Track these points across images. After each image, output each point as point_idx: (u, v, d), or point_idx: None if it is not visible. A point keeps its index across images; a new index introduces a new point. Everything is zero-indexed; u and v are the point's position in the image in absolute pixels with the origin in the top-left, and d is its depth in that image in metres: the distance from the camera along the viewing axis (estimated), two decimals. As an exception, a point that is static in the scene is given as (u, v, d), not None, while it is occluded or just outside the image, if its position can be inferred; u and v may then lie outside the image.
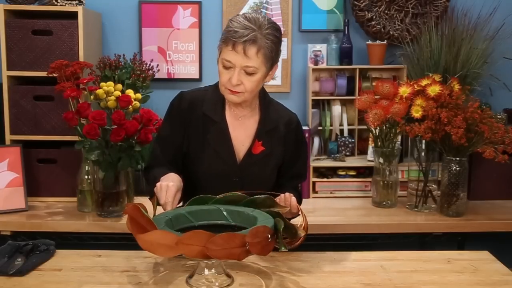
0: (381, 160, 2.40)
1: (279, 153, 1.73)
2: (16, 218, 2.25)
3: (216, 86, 1.72)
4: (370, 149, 2.63)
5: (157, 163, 1.70)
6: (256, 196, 1.49)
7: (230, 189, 1.54)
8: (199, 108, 1.69)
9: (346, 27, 2.79)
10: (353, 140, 2.80)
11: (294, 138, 1.77)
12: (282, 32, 2.85)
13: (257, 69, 1.57)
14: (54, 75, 2.26)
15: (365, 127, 2.55)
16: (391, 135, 2.36)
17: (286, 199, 1.54)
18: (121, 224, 2.17)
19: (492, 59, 2.74)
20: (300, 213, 1.53)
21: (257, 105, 1.74)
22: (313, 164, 2.61)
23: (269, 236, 1.30)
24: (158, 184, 1.49)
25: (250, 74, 1.57)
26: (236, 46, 1.53)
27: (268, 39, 1.56)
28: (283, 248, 1.36)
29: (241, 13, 1.64)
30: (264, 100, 1.74)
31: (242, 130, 1.71)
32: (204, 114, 1.68)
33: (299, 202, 1.72)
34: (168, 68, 2.90)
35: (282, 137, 1.73)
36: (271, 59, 1.60)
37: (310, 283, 1.42)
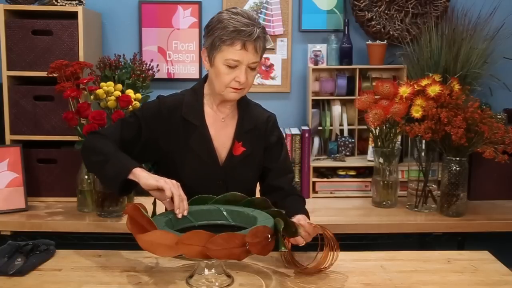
0: (381, 160, 2.40)
1: (260, 152, 1.73)
2: (16, 218, 2.25)
3: (193, 90, 1.72)
4: (370, 149, 2.63)
5: (111, 136, 1.62)
6: (254, 197, 1.49)
7: (216, 192, 1.54)
8: (178, 113, 1.66)
9: (346, 27, 2.79)
10: (353, 140, 2.80)
11: (273, 136, 1.76)
12: (282, 32, 2.89)
13: (258, 63, 1.61)
14: (54, 75, 2.26)
15: (365, 127, 2.55)
16: (391, 135, 2.36)
17: (309, 230, 1.50)
18: (121, 224, 2.17)
19: (492, 59, 2.74)
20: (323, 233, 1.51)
21: (235, 106, 1.73)
22: (313, 164, 2.61)
23: (269, 236, 1.30)
24: (176, 194, 1.43)
25: (253, 69, 1.59)
26: (247, 45, 1.54)
27: (264, 32, 1.60)
28: (282, 248, 1.36)
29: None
30: (242, 100, 1.73)
31: (223, 131, 1.69)
32: (184, 119, 1.66)
33: (304, 203, 1.74)
34: (168, 68, 2.90)
35: (262, 136, 1.73)
36: (264, 52, 1.64)
37: (310, 283, 1.42)
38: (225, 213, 1.48)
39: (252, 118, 1.73)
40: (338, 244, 1.49)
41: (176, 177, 1.53)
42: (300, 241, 1.47)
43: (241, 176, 1.69)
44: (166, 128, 1.65)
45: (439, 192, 2.37)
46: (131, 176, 1.47)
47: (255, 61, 1.57)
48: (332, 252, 1.48)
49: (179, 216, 1.42)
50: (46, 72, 2.29)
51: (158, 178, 1.45)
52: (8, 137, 2.43)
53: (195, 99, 1.69)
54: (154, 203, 1.49)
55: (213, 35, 1.57)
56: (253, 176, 1.76)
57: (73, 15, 2.40)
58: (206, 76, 1.72)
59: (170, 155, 1.66)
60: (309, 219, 1.59)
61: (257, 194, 1.80)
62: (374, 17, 2.81)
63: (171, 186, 1.43)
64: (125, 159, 1.52)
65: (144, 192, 2.58)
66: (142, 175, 1.46)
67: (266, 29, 2.86)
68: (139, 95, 2.30)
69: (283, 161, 1.78)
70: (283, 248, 1.36)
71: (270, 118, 1.77)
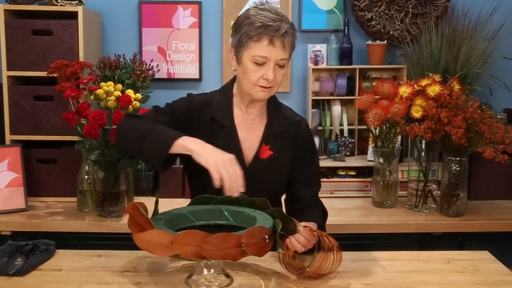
0: (381, 160, 2.40)
1: (288, 157, 1.67)
2: (16, 218, 2.25)
3: (223, 90, 1.68)
4: (370, 149, 2.63)
5: (147, 117, 1.59)
6: (256, 198, 1.49)
7: (239, 196, 1.47)
8: (208, 112, 1.63)
9: (346, 27, 2.79)
10: (353, 140, 2.80)
11: (303, 142, 1.70)
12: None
13: (287, 60, 1.55)
14: (54, 75, 2.26)
15: (365, 127, 2.55)
16: (391, 135, 2.36)
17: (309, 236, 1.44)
18: (121, 224, 2.17)
19: (492, 59, 2.74)
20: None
21: (265, 108, 1.68)
22: (313, 164, 2.60)
23: (266, 237, 1.30)
24: (225, 175, 1.36)
25: (281, 66, 1.54)
26: (275, 40, 1.49)
27: (293, 28, 1.55)
28: (280, 249, 1.36)
29: (250, 6, 1.60)
30: (273, 102, 1.69)
31: (251, 133, 1.65)
32: (213, 118, 1.62)
33: (324, 219, 1.71)
34: (168, 68, 2.90)
35: (291, 141, 1.67)
36: (294, 49, 1.58)
37: (310, 283, 1.42)
38: (226, 213, 1.48)
39: (281, 122, 1.67)
40: (341, 253, 1.44)
41: (201, 178, 1.49)
42: (298, 246, 1.41)
43: (266, 181, 1.64)
44: (194, 127, 1.61)
45: (439, 192, 2.37)
46: (176, 148, 1.42)
47: (283, 57, 1.52)
48: (329, 258, 1.43)
49: (235, 195, 1.38)
50: (46, 72, 2.29)
51: (208, 155, 1.39)
52: (8, 137, 2.43)
53: (224, 99, 1.65)
54: (156, 202, 1.48)
55: (240, 32, 1.53)
56: (280, 183, 1.70)
57: (73, 15, 2.40)
58: (235, 77, 1.67)
59: None
60: (323, 230, 1.52)
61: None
62: (374, 17, 2.81)
63: (221, 168, 1.37)
64: (168, 130, 1.47)
65: (144, 192, 2.60)
66: (192, 147, 1.41)
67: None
68: (139, 95, 2.30)
69: (312, 172, 1.73)
70: (280, 249, 1.36)
71: (302, 123, 1.72)
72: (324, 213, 1.72)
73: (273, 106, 1.69)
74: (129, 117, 1.64)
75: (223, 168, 1.37)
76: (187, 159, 1.47)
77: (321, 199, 1.76)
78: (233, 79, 1.69)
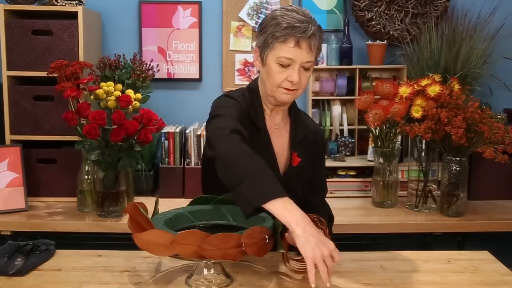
0: (381, 160, 2.40)
1: (310, 163, 1.66)
2: (16, 218, 2.25)
3: (250, 90, 1.62)
4: (370, 149, 2.63)
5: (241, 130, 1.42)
6: None
7: None
8: (247, 113, 1.55)
9: (346, 27, 2.79)
10: (353, 140, 2.80)
11: (319, 149, 1.71)
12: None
13: (313, 63, 1.52)
14: (54, 75, 2.26)
15: (365, 127, 2.55)
16: (391, 135, 2.36)
17: None
18: (121, 224, 2.17)
19: (492, 59, 2.74)
20: None
21: (287, 114, 1.65)
22: (313, 164, 2.60)
23: (266, 237, 1.29)
24: (320, 264, 1.22)
25: (307, 69, 1.51)
26: (301, 42, 1.45)
27: (320, 31, 1.51)
28: (281, 249, 1.36)
29: (278, 6, 1.52)
30: (294, 108, 1.66)
31: (279, 139, 1.61)
32: (250, 121, 1.56)
33: (331, 224, 1.69)
34: (168, 68, 2.90)
35: (312, 147, 1.67)
36: (320, 52, 1.55)
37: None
38: (226, 213, 1.48)
39: (303, 128, 1.66)
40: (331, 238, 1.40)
41: (217, 183, 1.42)
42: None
43: (297, 188, 1.62)
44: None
45: (439, 192, 2.37)
46: (272, 207, 1.24)
47: (309, 60, 1.48)
48: None
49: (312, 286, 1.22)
50: (46, 72, 2.29)
51: (311, 246, 1.22)
52: (8, 137, 2.43)
53: (256, 99, 1.59)
54: (156, 202, 1.48)
55: (266, 33, 1.50)
56: (305, 190, 1.68)
57: (73, 15, 2.40)
58: (257, 78, 1.64)
59: None
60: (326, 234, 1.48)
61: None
62: (374, 17, 2.81)
63: (318, 262, 1.22)
64: (268, 181, 1.28)
65: (144, 192, 2.60)
66: (295, 228, 1.23)
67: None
68: (139, 95, 2.30)
69: (321, 177, 1.73)
70: (281, 249, 1.36)
71: (319, 130, 1.73)
72: (330, 218, 1.71)
73: (294, 112, 1.66)
74: (224, 139, 1.38)
75: (320, 262, 1.23)
76: (209, 162, 1.37)
77: (322, 199, 1.76)
78: (256, 80, 1.65)
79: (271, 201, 1.24)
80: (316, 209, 1.64)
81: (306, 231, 1.23)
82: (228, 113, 1.48)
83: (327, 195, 2.53)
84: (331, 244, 1.25)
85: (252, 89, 1.61)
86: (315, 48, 1.50)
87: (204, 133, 2.45)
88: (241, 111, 1.52)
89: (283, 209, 1.24)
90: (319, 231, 1.27)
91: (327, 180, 2.53)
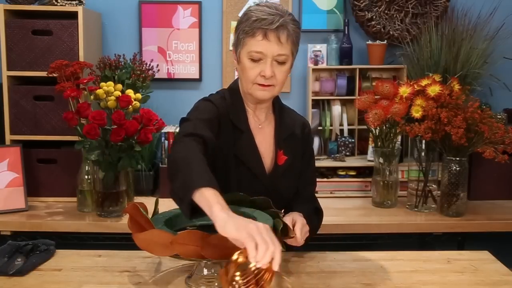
0: (381, 160, 2.40)
1: (298, 160, 1.64)
2: (16, 218, 2.25)
3: (231, 90, 1.60)
4: (370, 149, 2.63)
5: (198, 134, 1.37)
6: (256, 198, 1.48)
7: None
8: (227, 117, 1.53)
9: (346, 27, 2.79)
10: (353, 140, 2.80)
11: (307, 143, 1.68)
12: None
13: (288, 57, 1.48)
14: (54, 75, 2.26)
15: (365, 127, 2.55)
16: (391, 135, 2.36)
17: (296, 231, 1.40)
18: (121, 224, 2.17)
19: (492, 59, 2.74)
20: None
21: (272, 112, 1.63)
22: (313, 164, 2.60)
23: None
24: (260, 242, 1.07)
25: (281, 63, 1.48)
26: (269, 34, 1.43)
27: (294, 24, 1.48)
28: (283, 248, 1.36)
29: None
30: (278, 105, 1.64)
31: (264, 139, 1.59)
32: (232, 124, 1.54)
33: (319, 217, 1.67)
34: (168, 68, 2.90)
35: (299, 143, 1.65)
36: (296, 47, 1.52)
37: (310, 283, 1.42)
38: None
39: (288, 124, 1.63)
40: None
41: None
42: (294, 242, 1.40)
43: (285, 187, 1.60)
44: (218, 133, 1.50)
45: (439, 192, 2.37)
46: (197, 199, 1.15)
47: (281, 53, 1.45)
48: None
49: (276, 268, 1.09)
50: (46, 72, 2.29)
51: (239, 225, 1.10)
52: (8, 137, 2.43)
53: (236, 101, 1.57)
54: (156, 202, 1.48)
55: (238, 30, 1.49)
56: (295, 187, 1.65)
57: (73, 15, 2.40)
58: (237, 79, 1.61)
59: (215, 164, 1.46)
60: (307, 221, 1.49)
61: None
62: (374, 17, 2.81)
63: (255, 234, 1.08)
64: (199, 173, 1.20)
65: (144, 192, 2.60)
66: (218, 216, 1.11)
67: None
68: (139, 95, 2.30)
69: (310, 172, 1.70)
70: (283, 248, 1.35)
71: (306, 125, 1.69)
72: (318, 211, 1.68)
73: (279, 109, 1.64)
74: (178, 142, 1.36)
75: (257, 234, 1.08)
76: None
77: (321, 199, 1.75)
78: (237, 80, 1.63)
79: (197, 192, 1.15)
80: (304, 203, 1.63)
81: (229, 214, 1.12)
82: (196, 116, 1.46)
83: (328, 195, 2.57)
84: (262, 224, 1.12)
85: (234, 89, 1.60)
86: (287, 40, 1.45)
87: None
88: (215, 115, 1.50)
89: (208, 196, 1.14)
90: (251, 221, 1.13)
91: (327, 180, 2.59)
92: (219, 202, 1.14)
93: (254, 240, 1.07)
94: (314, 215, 1.63)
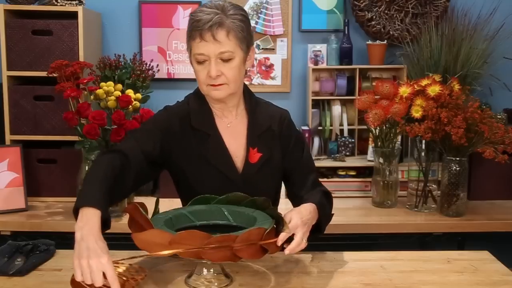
0: (381, 160, 2.40)
1: (278, 155, 1.60)
2: (16, 218, 2.25)
3: (196, 95, 1.59)
4: (370, 149, 2.63)
5: (128, 151, 1.45)
6: (256, 197, 1.48)
7: None
8: (188, 123, 1.54)
9: (346, 27, 2.79)
10: (353, 140, 2.80)
11: (290, 135, 1.63)
12: (282, 32, 2.89)
13: (233, 53, 1.45)
14: (54, 75, 2.26)
15: (365, 127, 2.55)
16: (391, 135, 2.36)
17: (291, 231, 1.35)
18: (121, 224, 2.17)
19: (492, 59, 2.74)
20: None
21: (243, 109, 1.60)
22: (313, 164, 2.60)
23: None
24: (84, 265, 1.17)
25: (227, 60, 1.45)
26: (204, 34, 1.41)
27: (235, 18, 1.44)
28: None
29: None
30: (251, 101, 1.60)
31: (234, 139, 1.56)
32: (194, 129, 1.54)
33: (329, 199, 1.60)
34: (168, 68, 2.90)
35: (278, 137, 1.60)
36: (245, 40, 1.47)
37: (310, 283, 1.42)
38: (226, 213, 1.48)
39: (263, 120, 1.59)
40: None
41: (193, 193, 1.47)
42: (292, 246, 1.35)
43: (261, 184, 1.57)
44: (178, 142, 1.53)
45: (439, 192, 2.37)
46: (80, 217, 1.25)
47: (222, 50, 1.42)
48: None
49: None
50: (46, 72, 2.29)
51: (82, 250, 1.19)
52: (8, 137, 2.43)
53: (200, 104, 1.57)
54: (157, 202, 1.48)
55: (186, 35, 1.50)
56: (275, 183, 1.64)
57: (73, 15, 2.40)
58: None
59: (185, 171, 1.54)
60: (319, 210, 1.47)
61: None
62: (374, 17, 2.81)
63: (83, 264, 1.17)
64: (91, 190, 1.29)
65: (144, 192, 2.59)
66: (76, 235, 1.22)
67: (266, 29, 2.91)
68: (139, 95, 2.30)
69: (305, 161, 1.65)
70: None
71: (284, 117, 1.63)
72: (326, 194, 1.61)
73: (251, 105, 1.60)
74: (101, 154, 1.50)
75: (86, 265, 1.17)
76: (184, 185, 1.48)
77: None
78: None
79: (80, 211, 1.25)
80: (310, 191, 1.59)
81: (83, 238, 1.20)
82: (141, 128, 1.58)
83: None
84: (103, 258, 1.19)
85: (198, 94, 1.58)
86: (226, 36, 1.43)
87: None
88: (164, 127, 1.53)
89: (80, 216, 1.24)
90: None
91: (327, 180, 2.59)
92: (88, 224, 1.23)
93: (80, 267, 1.17)
94: (325, 200, 1.57)
